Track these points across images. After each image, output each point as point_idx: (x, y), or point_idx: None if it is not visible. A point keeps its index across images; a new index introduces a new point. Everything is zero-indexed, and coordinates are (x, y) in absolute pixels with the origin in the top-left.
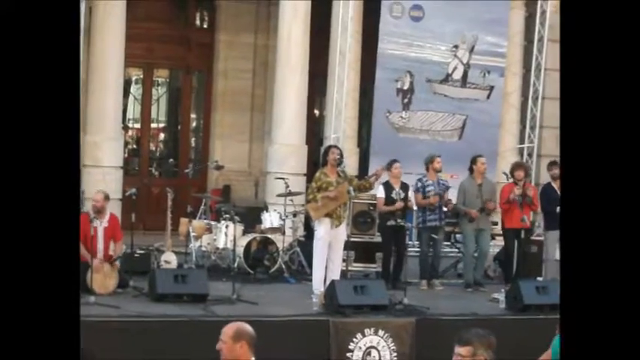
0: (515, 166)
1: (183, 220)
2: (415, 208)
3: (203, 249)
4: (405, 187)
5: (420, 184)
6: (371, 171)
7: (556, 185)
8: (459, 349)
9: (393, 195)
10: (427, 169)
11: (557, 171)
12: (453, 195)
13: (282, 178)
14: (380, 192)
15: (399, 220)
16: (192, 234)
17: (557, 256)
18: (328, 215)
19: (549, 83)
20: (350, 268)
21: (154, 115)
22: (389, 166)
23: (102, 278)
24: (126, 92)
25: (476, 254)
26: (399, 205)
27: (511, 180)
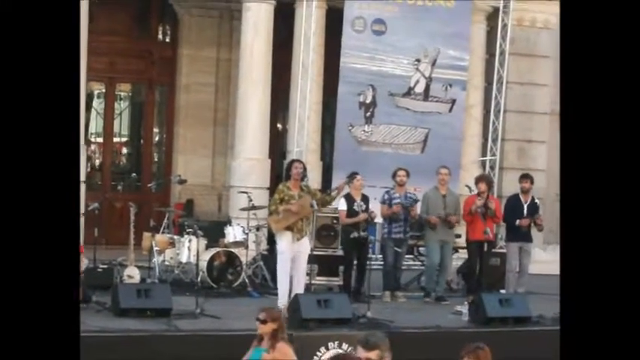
0: (478, 179)
1: (146, 235)
2: (381, 220)
3: (166, 263)
4: (365, 199)
5: (387, 196)
6: (334, 185)
7: (524, 198)
8: (368, 354)
9: (355, 207)
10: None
11: (526, 184)
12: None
13: (245, 192)
14: (342, 204)
15: (362, 233)
16: (155, 248)
17: (518, 268)
18: (289, 229)
19: (511, 96)
20: (313, 281)
21: (116, 129)
22: (350, 179)
23: None
24: (88, 106)
25: (438, 267)
26: (362, 217)
27: (474, 192)
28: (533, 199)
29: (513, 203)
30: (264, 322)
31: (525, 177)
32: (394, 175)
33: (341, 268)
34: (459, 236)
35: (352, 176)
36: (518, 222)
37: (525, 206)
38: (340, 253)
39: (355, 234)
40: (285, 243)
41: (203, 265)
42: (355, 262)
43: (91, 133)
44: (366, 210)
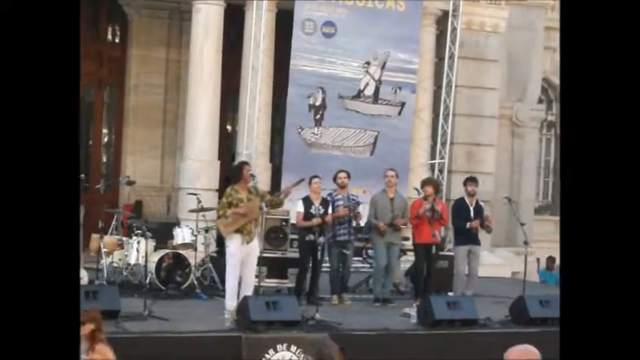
0: (425, 182)
1: (95, 236)
2: None
3: (115, 265)
4: (325, 202)
5: (329, 199)
6: (283, 187)
7: (469, 201)
8: None
9: (312, 210)
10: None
11: (471, 187)
12: (364, 210)
13: (194, 194)
14: (299, 207)
15: (319, 239)
16: (103, 250)
17: (467, 271)
18: (238, 231)
19: (460, 100)
20: (262, 284)
21: None
22: (299, 181)
23: None
24: None
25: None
26: (316, 221)
27: (422, 195)
28: (477, 201)
29: (460, 206)
30: (82, 323)
31: (472, 180)
32: (335, 178)
33: (290, 270)
34: (406, 239)
35: (301, 181)
36: (468, 225)
37: (472, 209)
38: (289, 255)
39: (311, 237)
40: (234, 245)
41: (152, 266)
42: (310, 265)
43: None
44: (325, 214)
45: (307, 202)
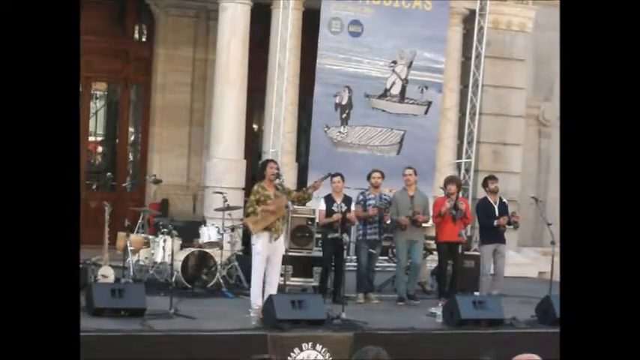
0: (448, 180)
1: (121, 234)
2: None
3: (141, 263)
4: (347, 200)
5: (361, 197)
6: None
7: (492, 199)
8: None
9: (334, 208)
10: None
11: (493, 185)
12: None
13: (221, 193)
14: (321, 205)
15: (344, 236)
16: (129, 248)
17: (492, 270)
18: (267, 229)
19: (486, 99)
20: (288, 282)
21: (91, 128)
22: (326, 176)
23: None
24: None
25: (408, 267)
26: (336, 217)
27: (446, 193)
28: (501, 199)
29: (485, 205)
30: None
31: (493, 178)
32: (369, 177)
33: (315, 269)
34: (432, 238)
35: (328, 175)
36: (496, 222)
37: (496, 207)
38: (315, 254)
39: (335, 235)
40: (261, 243)
41: (177, 265)
42: (333, 263)
43: None
44: (347, 211)
45: (329, 200)
